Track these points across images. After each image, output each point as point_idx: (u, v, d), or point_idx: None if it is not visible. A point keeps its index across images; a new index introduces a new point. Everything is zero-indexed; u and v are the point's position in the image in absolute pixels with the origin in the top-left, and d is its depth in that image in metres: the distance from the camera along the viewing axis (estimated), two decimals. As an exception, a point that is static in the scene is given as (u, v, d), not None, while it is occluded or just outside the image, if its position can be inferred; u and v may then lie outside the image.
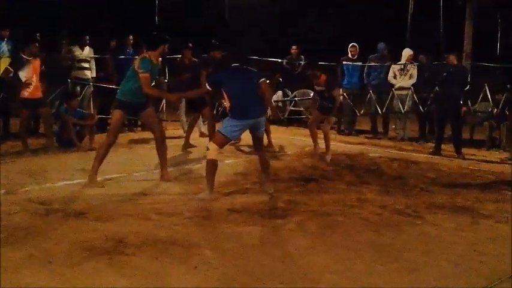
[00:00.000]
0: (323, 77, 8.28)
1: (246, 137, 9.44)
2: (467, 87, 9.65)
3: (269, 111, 8.21)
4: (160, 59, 7.34)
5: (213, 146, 5.83)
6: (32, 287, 3.51)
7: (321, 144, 8.51)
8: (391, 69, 11.20)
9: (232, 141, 9.14)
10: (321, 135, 8.49)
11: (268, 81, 9.62)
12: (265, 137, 9.50)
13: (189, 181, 6.63)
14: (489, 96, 10.56)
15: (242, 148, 9.13)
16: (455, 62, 9.42)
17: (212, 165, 5.81)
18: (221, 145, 5.88)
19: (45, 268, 3.81)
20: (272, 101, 9.42)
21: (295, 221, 5.07)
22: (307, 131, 11.86)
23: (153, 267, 3.88)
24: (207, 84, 6.14)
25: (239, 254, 4.21)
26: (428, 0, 12.26)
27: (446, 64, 9.50)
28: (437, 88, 9.96)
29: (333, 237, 4.68)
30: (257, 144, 6.14)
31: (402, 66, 11.09)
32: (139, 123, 10.77)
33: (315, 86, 8.52)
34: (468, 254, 4.38)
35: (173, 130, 11.03)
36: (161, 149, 6.57)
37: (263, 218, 5.15)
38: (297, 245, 4.44)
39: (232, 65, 6.06)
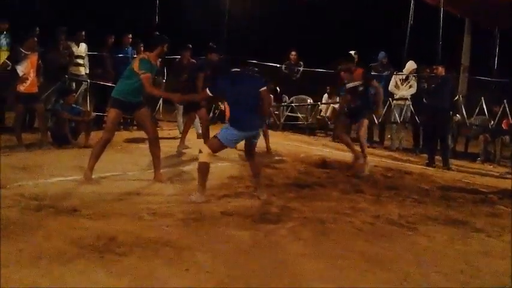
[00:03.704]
0: (359, 71, 7.83)
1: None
2: (457, 97, 9.66)
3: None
4: (160, 59, 7.34)
5: (206, 150, 5.77)
6: (20, 283, 3.48)
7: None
8: (393, 78, 11.23)
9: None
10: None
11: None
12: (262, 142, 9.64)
13: (183, 182, 6.62)
14: (485, 110, 10.59)
15: (237, 152, 9.11)
16: (443, 74, 9.45)
17: (204, 168, 5.76)
18: (215, 150, 5.83)
19: (34, 264, 3.77)
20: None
21: (288, 227, 5.06)
22: (302, 137, 12.00)
23: (144, 267, 3.86)
24: (208, 91, 5.94)
25: (231, 258, 4.19)
26: (428, 12, 12.29)
27: (435, 76, 9.53)
28: (424, 100, 9.95)
29: (325, 245, 4.67)
30: (249, 151, 6.06)
31: (404, 77, 11.12)
32: (135, 122, 10.75)
33: (346, 83, 7.92)
34: (459, 267, 4.37)
35: (169, 130, 11.02)
36: (154, 149, 6.55)
37: (256, 222, 5.14)
38: (289, 251, 4.43)
39: (233, 69, 5.92)
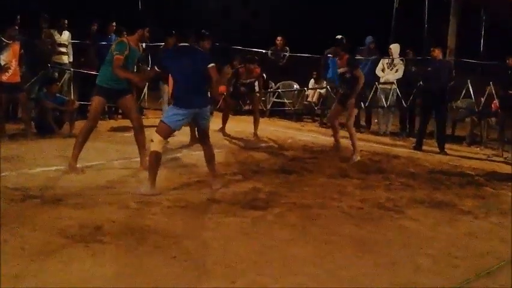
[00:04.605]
0: (345, 57, 7.75)
1: (228, 129, 9.51)
2: (452, 82, 9.62)
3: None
4: (143, 45, 7.24)
5: (157, 138, 5.50)
6: (5, 274, 3.43)
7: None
8: (380, 62, 11.20)
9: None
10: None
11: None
12: (250, 128, 9.62)
13: (168, 170, 6.56)
14: (471, 93, 10.60)
15: (224, 139, 9.10)
16: (440, 57, 9.42)
17: (155, 158, 5.48)
18: (165, 136, 5.62)
19: (19, 255, 3.73)
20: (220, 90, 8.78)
21: (276, 213, 5.05)
22: (289, 123, 11.97)
23: (131, 256, 3.83)
24: (155, 67, 5.79)
25: (218, 244, 4.17)
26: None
27: (431, 59, 9.49)
28: (420, 83, 9.94)
29: (312, 230, 4.66)
30: (202, 135, 5.81)
31: (390, 61, 11.09)
32: (120, 110, 10.64)
33: (338, 68, 7.91)
34: (446, 249, 4.39)
35: (155, 118, 10.92)
36: (139, 137, 6.48)
37: (243, 209, 5.12)
38: (277, 237, 4.42)
39: (180, 44, 5.64)
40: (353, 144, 7.78)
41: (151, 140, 5.60)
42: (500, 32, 13.27)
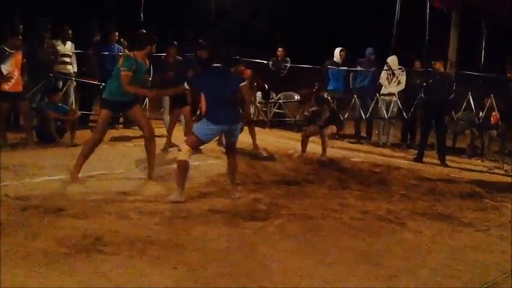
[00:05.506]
0: (313, 97, 8.90)
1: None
2: (452, 95, 9.64)
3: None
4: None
5: (185, 147, 5.75)
6: (6, 284, 3.43)
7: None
8: (383, 72, 11.23)
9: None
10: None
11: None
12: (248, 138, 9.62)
13: (169, 181, 6.56)
14: (472, 105, 10.62)
15: (223, 150, 9.07)
16: (442, 70, 9.46)
17: (183, 167, 5.68)
18: (194, 146, 5.81)
19: (21, 265, 3.73)
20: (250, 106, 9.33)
21: (276, 224, 5.05)
22: (290, 134, 11.97)
23: (132, 266, 3.83)
24: (185, 83, 5.97)
25: (219, 255, 4.17)
26: (415, 7, 12.29)
27: (433, 71, 9.54)
28: (422, 95, 9.98)
29: (313, 241, 4.66)
30: (229, 148, 6.04)
31: (391, 73, 11.12)
32: (121, 120, 10.66)
33: (311, 107, 8.98)
34: (447, 262, 4.39)
35: (156, 128, 10.91)
36: (150, 146, 6.52)
37: (244, 220, 5.13)
38: (277, 248, 4.42)
39: (214, 65, 5.94)
40: (323, 146, 8.65)
41: (179, 150, 5.81)
42: (501, 44, 13.30)
